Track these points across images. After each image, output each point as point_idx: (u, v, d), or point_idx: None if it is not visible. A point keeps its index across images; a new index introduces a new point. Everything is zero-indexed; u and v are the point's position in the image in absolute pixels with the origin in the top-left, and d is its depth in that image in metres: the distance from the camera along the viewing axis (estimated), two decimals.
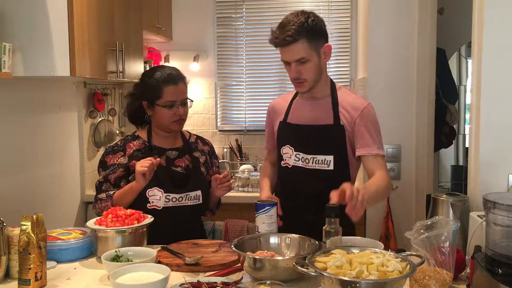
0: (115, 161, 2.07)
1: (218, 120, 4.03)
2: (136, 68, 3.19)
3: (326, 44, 1.92)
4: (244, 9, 3.94)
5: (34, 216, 1.52)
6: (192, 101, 2.15)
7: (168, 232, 1.98)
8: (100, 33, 2.57)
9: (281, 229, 1.87)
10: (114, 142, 2.16)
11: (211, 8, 3.94)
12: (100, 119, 3.40)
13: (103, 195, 2.04)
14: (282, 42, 1.86)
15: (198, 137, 2.29)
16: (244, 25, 3.95)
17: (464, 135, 4.91)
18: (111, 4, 2.75)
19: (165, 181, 2.04)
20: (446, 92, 3.94)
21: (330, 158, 1.94)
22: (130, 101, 2.19)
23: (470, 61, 3.68)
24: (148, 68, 3.60)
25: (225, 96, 4.04)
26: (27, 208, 2.36)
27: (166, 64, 3.93)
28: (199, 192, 2.11)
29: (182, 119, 2.09)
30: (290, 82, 1.99)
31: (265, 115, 2.22)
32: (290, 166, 2.02)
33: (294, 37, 1.83)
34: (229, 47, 3.99)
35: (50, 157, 2.82)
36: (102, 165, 2.11)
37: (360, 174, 2.47)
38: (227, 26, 3.98)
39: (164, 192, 2.03)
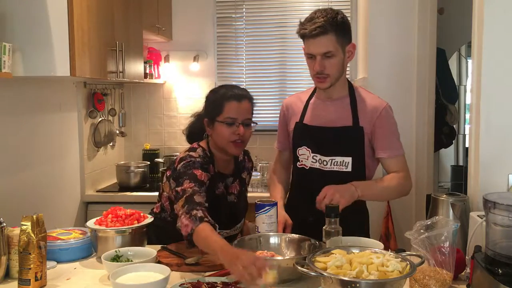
0: (205, 179, 1.80)
1: None
2: (136, 68, 3.19)
3: (351, 43, 1.93)
4: (244, 9, 3.94)
5: (34, 216, 1.52)
6: (256, 124, 1.93)
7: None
8: (100, 33, 2.57)
9: (294, 230, 1.88)
10: (199, 156, 1.87)
11: (211, 8, 3.94)
12: (100, 119, 3.40)
13: (199, 211, 1.65)
14: (311, 32, 1.85)
15: (245, 153, 2.13)
16: (244, 25, 3.95)
17: (464, 135, 4.90)
18: (111, 4, 2.75)
19: (221, 219, 1.81)
20: (446, 92, 3.93)
21: (349, 159, 1.94)
22: (193, 120, 2.07)
23: (470, 61, 3.68)
24: (148, 69, 3.61)
25: None
26: (27, 208, 2.36)
27: (166, 64, 3.93)
28: (242, 221, 2.06)
29: (242, 142, 1.88)
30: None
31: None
32: (307, 168, 2.00)
33: (324, 28, 1.84)
34: (229, 47, 3.99)
35: (50, 157, 2.82)
36: (191, 177, 1.77)
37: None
38: (227, 26, 3.97)
39: (219, 229, 1.69)
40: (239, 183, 2.04)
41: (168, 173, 1.94)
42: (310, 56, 1.90)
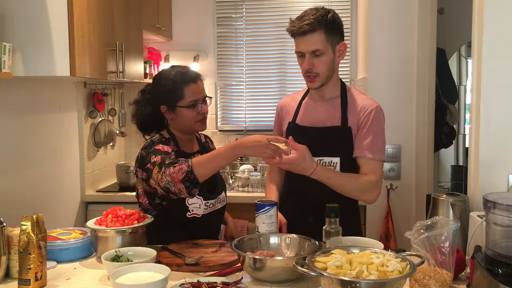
0: (169, 150, 1.86)
1: (218, 120, 4.02)
2: (136, 68, 3.19)
3: (342, 42, 1.93)
4: (244, 9, 3.94)
5: (34, 216, 1.52)
6: (211, 98, 2.04)
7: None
8: (100, 33, 2.57)
9: (292, 229, 1.86)
10: (156, 137, 1.97)
11: (211, 8, 3.94)
12: (100, 119, 3.40)
13: (173, 160, 1.75)
14: (300, 30, 1.85)
15: (206, 136, 2.25)
16: (244, 25, 3.95)
17: (464, 135, 4.91)
18: (111, 4, 2.75)
19: (202, 188, 1.87)
20: (446, 92, 3.94)
21: (337, 160, 1.93)
22: (140, 107, 2.05)
23: (470, 61, 3.68)
24: (148, 69, 3.61)
25: (225, 96, 4.03)
26: (27, 208, 2.36)
27: (166, 64, 3.93)
28: (223, 193, 2.10)
29: (205, 118, 1.99)
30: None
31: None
32: None
33: (312, 26, 1.83)
34: (229, 47, 3.99)
35: (50, 157, 2.82)
36: (155, 152, 1.84)
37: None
38: (227, 26, 3.98)
39: (204, 200, 1.95)
40: None
41: (135, 170, 1.97)
42: (300, 55, 1.91)
